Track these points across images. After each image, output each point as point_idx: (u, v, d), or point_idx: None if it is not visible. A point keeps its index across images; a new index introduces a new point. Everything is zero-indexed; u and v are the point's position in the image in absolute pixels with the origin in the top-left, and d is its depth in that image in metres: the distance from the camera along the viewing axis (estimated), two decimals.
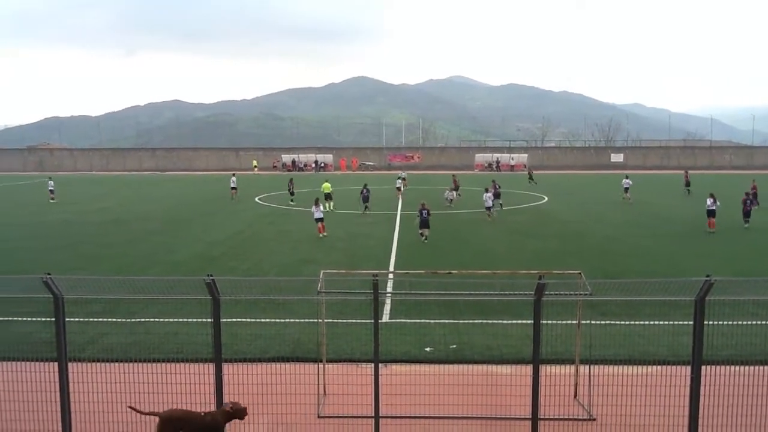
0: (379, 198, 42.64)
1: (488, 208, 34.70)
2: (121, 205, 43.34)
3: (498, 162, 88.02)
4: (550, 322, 10.32)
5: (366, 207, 36.74)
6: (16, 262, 23.13)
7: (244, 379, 9.56)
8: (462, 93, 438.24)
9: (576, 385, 10.45)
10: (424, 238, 27.16)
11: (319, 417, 9.79)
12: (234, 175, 50.33)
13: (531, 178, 59.29)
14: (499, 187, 40.36)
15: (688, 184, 48.84)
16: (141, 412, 8.47)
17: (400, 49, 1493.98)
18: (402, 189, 46.78)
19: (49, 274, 8.89)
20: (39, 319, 13.51)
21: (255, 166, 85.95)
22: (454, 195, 41.46)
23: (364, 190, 37.29)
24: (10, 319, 14.65)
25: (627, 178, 46.34)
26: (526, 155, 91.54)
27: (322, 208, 29.91)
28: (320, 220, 29.08)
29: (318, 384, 10.16)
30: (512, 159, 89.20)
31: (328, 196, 38.17)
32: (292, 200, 43.20)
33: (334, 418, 9.63)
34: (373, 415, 9.17)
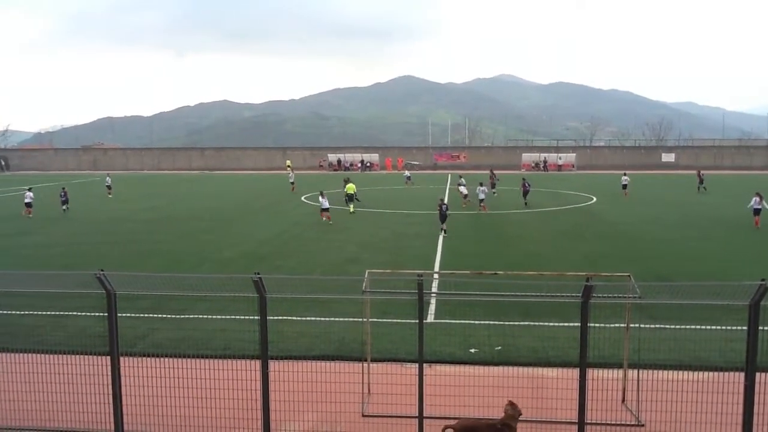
0: (426, 198, 42.55)
1: (481, 201, 38.09)
2: (171, 204, 44.24)
3: (545, 161, 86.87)
4: (597, 325, 10.15)
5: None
6: (71, 258, 23.86)
7: (289, 377, 9.66)
8: (509, 92, 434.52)
9: (624, 389, 10.26)
10: (445, 232, 28.41)
11: (363, 416, 9.83)
12: (292, 171, 52.18)
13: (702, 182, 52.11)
14: (530, 185, 42.28)
15: (701, 182, 50.75)
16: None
17: (447, 48, 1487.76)
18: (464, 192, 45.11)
19: (102, 270, 9.14)
20: (93, 314, 13.89)
21: (288, 166, 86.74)
22: (483, 191, 40.05)
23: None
24: (66, 313, 15.11)
25: (625, 174, 50.10)
26: (574, 155, 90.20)
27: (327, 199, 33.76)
28: (326, 210, 33.20)
29: (362, 383, 10.21)
30: (560, 158, 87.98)
31: (351, 197, 38.14)
32: (358, 199, 43.57)
33: (379, 417, 9.66)
34: (417, 415, 9.17)
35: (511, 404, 8.73)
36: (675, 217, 35.27)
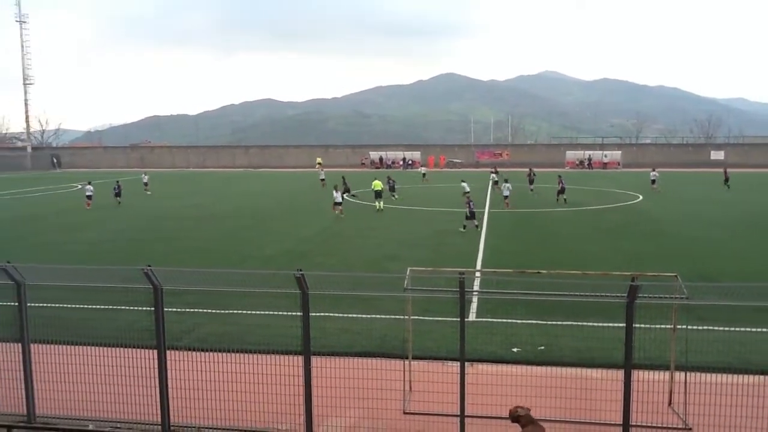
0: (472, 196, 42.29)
1: (505, 197, 38.94)
2: (215, 202, 44.90)
3: (590, 159, 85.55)
4: (643, 325, 9.99)
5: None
6: (120, 253, 24.44)
7: (331, 373, 9.73)
8: (553, 88, 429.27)
9: (671, 392, 10.07)
10: (462, 227, 29.26)
11: (404, 413, 9.85)
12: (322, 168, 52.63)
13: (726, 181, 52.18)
14: (564, 182, 42.41)
15: (727, 180, 50.87)
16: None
17: (491, 45, 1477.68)
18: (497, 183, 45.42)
19: (149, 266, 9.34)
20: (141, 308, 14.19)
21: (319, 163, 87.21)
22: (508, 188, 40.17)
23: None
24: (116, 307, 15.49)
25: (654, 170, 52.36)
26: (619, 152, 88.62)
27: (341, 192, 36.69)
28: (339, 204, 35.57)
29: (404, 380, 10.22)
30: (605, 156, 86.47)
31: (378, 194, 38.70)
32: (394, 196, 44.04)
33: (420, 415, 9.67)
34: (458, 413, 9.15)
35: (519, 408, 8.45)
36: (722, 215, 34.39)
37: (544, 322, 14.50)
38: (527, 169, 53.89)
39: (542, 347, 13.08)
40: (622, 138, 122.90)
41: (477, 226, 29.50)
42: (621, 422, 8.70)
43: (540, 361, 12.10)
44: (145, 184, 54.24)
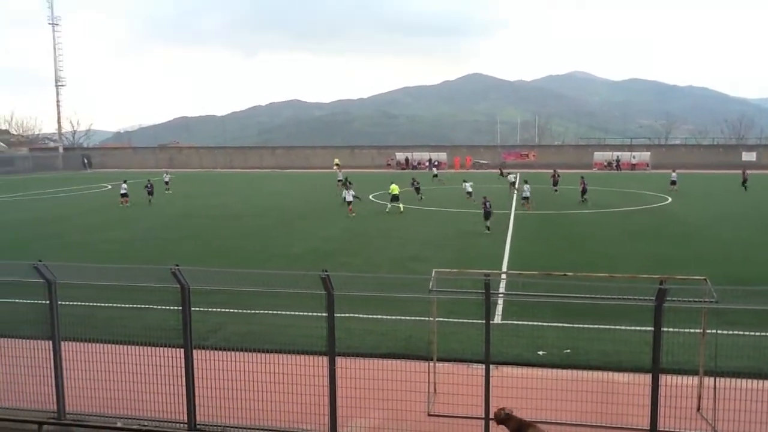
0: (494, 197, 42.08)
1: (525, 198, 38.82)
2: (242, 202, 45.26)
3: (618, 160, 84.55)
4: (671, 329, 9.85)
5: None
6: (149, 252, 24.74)
7: (356, 374, 9.75)
8: (581, 88, 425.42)
9: (699, 397, 9.92)
10: (486, 229, 29.43)
11: (429, 415, 9.83)
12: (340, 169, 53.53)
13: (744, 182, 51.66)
14: (587, 184, 42.77)
15: (744, 182, 50.90)
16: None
17: (518, 45, 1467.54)
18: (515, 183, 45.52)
19: (177, 265, 9.45)
20: (168, 307, 14.35)
21: (336, 164, 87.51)
22: (528, 189, 39.77)
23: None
24: (143, 306, 15.69)
25: (674, 171, 54.37)
26: (648, 153, 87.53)
27: (352, 192, 37.66)
28: (350, 203, 36.64)
29: (428, 382, 10.21)
30: (633, 157, 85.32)
31: (395, 198, 38.27)
32: (420, 198, 44.33)
33: (444, 417, 9.64)
34: (483, 416, 9.12)
35: (502, 410, 8.71)
36: (752, 218, 33.82)
37: (571, 325, 14.39)
38: (552, 171, 54.19)
39: (568, 350, 12.97)
40: (650, 139, 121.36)
41: (487, 228, 29.45)
42: (648, 428, 8.61)
43: (566, 365, 12.00)
44: (166, 183, 55.24)
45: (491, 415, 8.93)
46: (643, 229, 30.37)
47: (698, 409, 9.86)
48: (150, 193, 45.00)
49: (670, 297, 8.44)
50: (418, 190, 45.33)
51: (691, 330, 11.38)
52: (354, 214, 35.42)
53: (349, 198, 36.87)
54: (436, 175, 64.36)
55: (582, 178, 43.82)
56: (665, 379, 9.00)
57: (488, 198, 31.11)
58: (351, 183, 42.84)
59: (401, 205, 37.90)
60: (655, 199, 44.75)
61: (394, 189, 38.93)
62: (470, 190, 42.92)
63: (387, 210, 37.78)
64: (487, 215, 29.70)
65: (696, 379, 10.09)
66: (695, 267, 20.31)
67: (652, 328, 8.55)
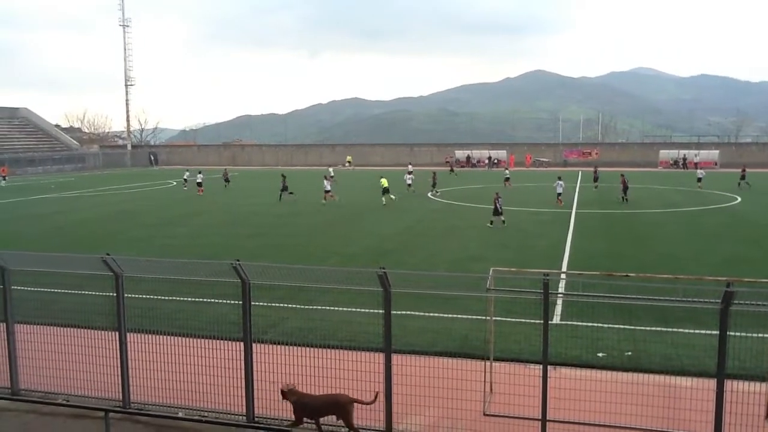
0: (553, 196, 41.48)
1: (558, 195, 39.92)
2: (301, 199, 45.77)
3: (685, 159, 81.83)
4: (738, 334, 9.51)
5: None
6: (212, 248, 25.32)
7: (411, 371, 9.77)
8: (646, 85, 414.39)
9: None
10: (492, 223, 30.50)
11: (485, 415, 9.78)
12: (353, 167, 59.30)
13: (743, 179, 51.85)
14: (628, 180, 42.25)
15: (743, 177, 51.11)
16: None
17: (581, 41, 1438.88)
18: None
19: (238, 260, 9.65)
20: (229, 301, 14.65)
21: (348, 161, 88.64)
22: (561, 185, 40.79)
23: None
24: (205, 300, 16.07)
25: (701, 169, 54.96)
26: (717, 152, 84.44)
27: (329, 183, 43.63)
28: (328, 191, 42.55)
29: (485, 381, 10.14)
30: (696, 155, 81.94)
31: (386, 190, 41.33)
32: (437, 192, 46.85)
33: (500, 417, 9.57)
34: (540, 417, 9.01)
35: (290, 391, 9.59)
36: None
37: (632, 327, 14.08)
38: (593, 168, 56.52)
39: (629, 353, 12.68)
40: (719, 137, 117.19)
41: (495, 222, 30.39)
42: None
43: (627, 368, 11.72)
44: (199, 183, 51.90)
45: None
46: (711, 230, 29.40)
47: (767, 416, 9.50)
48: (227, 180, 52.33)
49: (737, 300, 8.16)
50: (434, 185, 47.99)
51: (760, 335, 10.98)
52: (325, 202, 41.57)
53: (328, 187, 42.87)
54: (452, 170, 68.29)
55: (622, 175, 43.11)
56: (731, 385, 8.71)
57: (500, 195, 31.63)
58: (286, 181, 45.96)
59: (393, 196, 41.49)
60: (723, 198, 43.21)
61: (384, 182, 42.09)
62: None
63: (383, 203, 40.25)
64: (496, 212, 30.49)
65: (764, 385, 9.73)
66: (765, 269, 19.57)
67: (718, 332, 8.28)
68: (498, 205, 30.55)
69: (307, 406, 9.42)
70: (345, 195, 45.70)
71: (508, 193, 44.28)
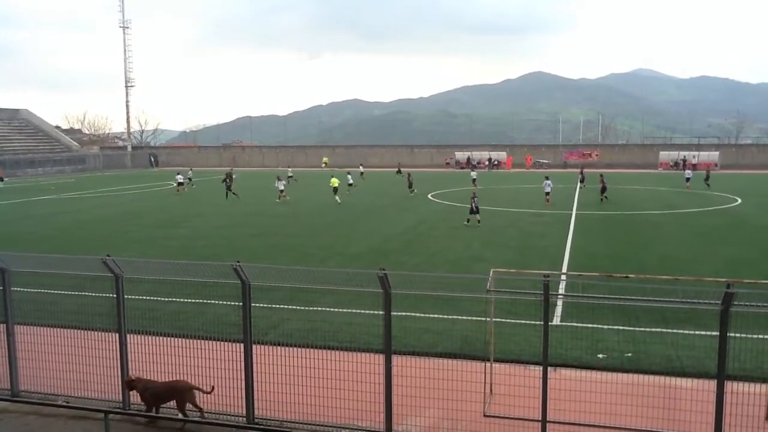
0: (556, 197, 41.50)
1: (546, 194, 40.91)
2: (302, 200, 45.82)
3: (684, 160, 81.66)
4: (739, 335, 9.51)
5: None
6: (213, 249, 25.33)
7: (412, 372, 9.77)
8: (646, 87, 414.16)
9: None
10: (466, 221, 31.53)
11: (485, 416, 9.78)
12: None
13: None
14: (606, 181, 43.49)
15: (706, 179, 51.16)
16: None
17: (581, 42, 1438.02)
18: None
19: (238, 261, 9.65)
20: (229, 302, 14.63)
21: (325, 162, 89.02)
22: (549, 185, 42.01)
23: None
24: (205, 301, 16.06)
25: (688, 170, 55.37)
26: (717, 153, 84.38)
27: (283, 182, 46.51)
28: (281, 191, 44.83)
29: (485, 382, 10.14)
30: (695, 157, 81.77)
31: (335, 190, 43.83)
32: (413, 191, 48.35)
33: (500, 419, 9.57)
34: (540, 418, 9.01)
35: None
36: None
37: (633, 329, 14.08)
38: (579, 169, 57.57)
39: (629, 354, 12.68)
40: (720, 138, 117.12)
41: (479, 221, 31.11)
42: None
43: (627, 369, 11.72)
44: (180, 183, 54.16)
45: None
46: (711, 231, 29.40)
47: (767, 418, 9.50)
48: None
49: (737, 301, 8.16)
50: (411, 185, 49.03)
51: (760, 336, 10.98)
52: (280, 200, 43.73)
53: (281, 187, 45.31)
54: (398, 171, 68.05)
55: (601, 175, 44.69)
56: (731, 386, 8.71)
57: (476, 195, 32.94)
58: (230, 179, 48.53)
59: (338, 198, 43.26)
60: (723, 200, 43.21)
61: (335, 182, 44.29)
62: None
63: (338, 202, 42.13)
64: (472, 211, 31.53)
65: (764, 386, 9.74)
66: (766, 270, 19.57)
67: (718, 333, 8.28)
68: (474, 204, 31.67)
69: (150, 392, 10.04)
70: (355, 196, 45.71)
71: (496, 194, 44.28)
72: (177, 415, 10.06)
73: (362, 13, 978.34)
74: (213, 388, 10.04)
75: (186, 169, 66.18)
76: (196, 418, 9.99)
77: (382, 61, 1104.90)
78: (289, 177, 59.57)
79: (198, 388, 10.06)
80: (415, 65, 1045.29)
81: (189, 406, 10.04)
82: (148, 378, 10.37)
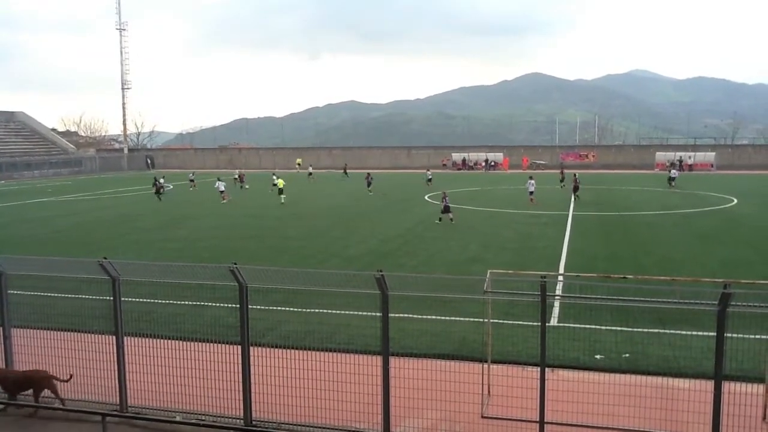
0: (554, 198, 41.57)
1: (530, 193, 41.62)
2: (299, 201, 45.79)
3: (681, 161, 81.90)
4: (736, 335, 9.53)
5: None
6: (210, 251, 25.30)
7: (410, 374, 9.77)
8: (643, 88, 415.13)
9: (765, 406, 9.58)
10: (440, 220, 32.54)
11: (482, 417, 9.78)
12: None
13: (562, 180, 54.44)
14: (579, 181, 44.75)
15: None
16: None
17: (577, 43, 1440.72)
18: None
19: (235, 263, 9.64)
20: (226, 305, 14.61)
21: (298, 164, 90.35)
22: (532, 184, 42.71)
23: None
24: (203, 303, 16.03)
25: (674, 170, 57.03)
26: (713, 154, 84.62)
27: (223, 183, 48.27)
28: (222, 192, 46.72)
29: (482, 384, 10.14)
30: (690, 158, 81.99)
31: (281, 191, 44.94)
32: (370, 192, 49.70)
33: (498, 420, 9.57)
34: (537, 419, 9.01)
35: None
36: None
37: (630, 329, 14.09)
38: (560, 169, 59.94)
39: (627, 355, 12.70)
40: (716, 139, 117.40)
41: (441, 219, 32.33)
42: None
43: (624, 369, 11.74)
44: (161, 185, 52.98)
45: None
46: (707, 232, 29.45)
47: (764, 418, 9.52)
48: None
49: (734, 301, 8.18)
50: (369, 184, 51.48)
51: (758, 336, 11.00)
52: (225, 201, 45.12)
53: (222, 188, 47.04)
54: (310, 174, 71.03)
55: (575, 175, 46.65)
56: (728, 387, 8.72)
57: (447, 194, 34.04)
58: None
59: (283, 198, 44.16)
60: (719, 200, 43.29)
61: (281, 183, 45.99)
62: (430, 177, 44.94)
63: (281, 202, 43.17)
64: (446, 209, 32.49)
65: (762, 386, 9.75)
66: (763, 271, 19.61)
67: (715, 334, 8.29)
68: (445, 203, 32.61)
69: (8, 380, 10.53)
70: (353, 198, 45.69)
71: (499, 194, 44.28)
72: (174, 417, 10.04)
73: (359, 15, 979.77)
74: (71, 376, 10.56)
75: (190, 171, 66.90)
76: (193, 421, 9.96)
77: (379, 62, 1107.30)
78: (235, 179, 61.18)
79: (55, 377, 10.55)
80: (411, 67, 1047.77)
81: (50, 394, 10.59)
82: (8, 368, 11.05)
